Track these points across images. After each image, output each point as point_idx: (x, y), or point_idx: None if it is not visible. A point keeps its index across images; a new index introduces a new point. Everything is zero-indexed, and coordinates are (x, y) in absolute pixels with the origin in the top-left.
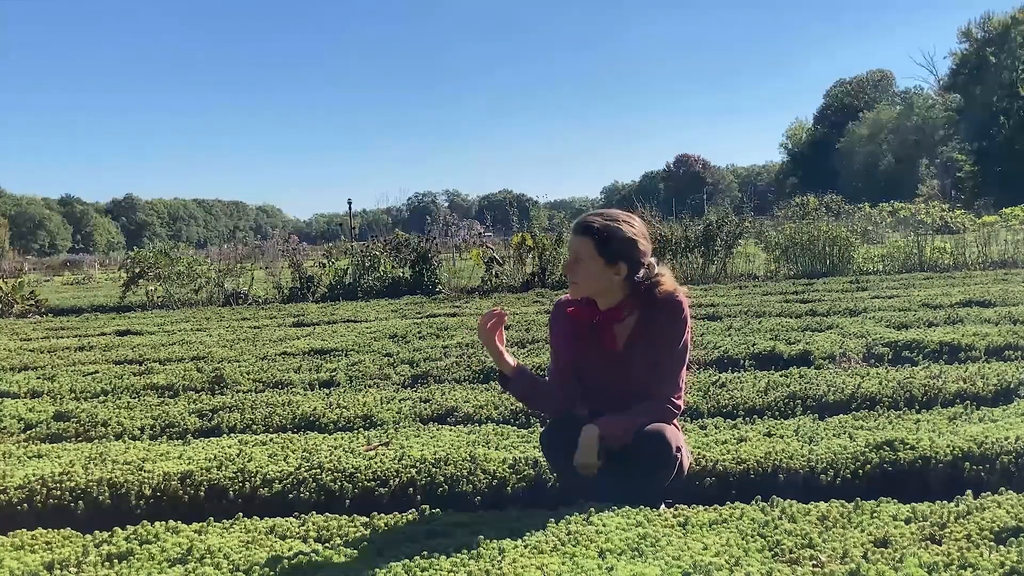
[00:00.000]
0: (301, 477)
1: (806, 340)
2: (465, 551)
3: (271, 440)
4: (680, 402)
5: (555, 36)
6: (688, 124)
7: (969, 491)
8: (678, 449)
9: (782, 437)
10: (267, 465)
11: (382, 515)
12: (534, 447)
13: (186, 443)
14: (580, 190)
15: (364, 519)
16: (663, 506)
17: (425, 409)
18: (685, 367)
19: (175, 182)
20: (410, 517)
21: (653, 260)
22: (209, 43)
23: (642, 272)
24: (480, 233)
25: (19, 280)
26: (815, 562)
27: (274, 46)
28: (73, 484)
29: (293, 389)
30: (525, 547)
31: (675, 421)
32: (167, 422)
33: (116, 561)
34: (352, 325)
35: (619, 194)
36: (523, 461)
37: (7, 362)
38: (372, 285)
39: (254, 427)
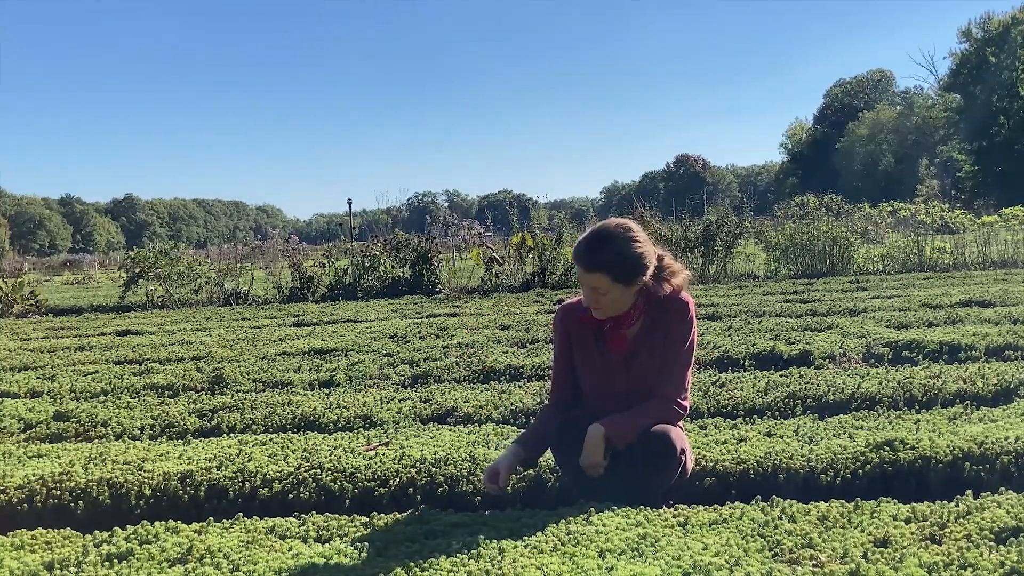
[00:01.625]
0: (301, 477)
1: (806, 340)
2: (465, 551)
3: (271, 440)
4: (686, 403)
5: (555, 36)
6: (688, 124)
7: (969, 491)
8: (682, 451)
9: (782, 437)
10: (267, 465)
11: (382, 515)
12: None
13: (186, 443)
14: (580, 190)
15: (364, 519)
16: (663, 506)
17: (425, 409)
18: (691, 368)
19: (175, 182)
20: (410, 517)
21: (659, 252)
22: (209, 43)
23: (651, 270)
24: (480, 233)
25: (19, 280)
26: (815, 562)
27: (274, 46)
28: (73, 484)
29: (293, 389)
30: (525, 547)
31: (679, 423)
32: (167, 422)
33: (116, 561)
34: (352, 325)
35: (619, 194)
36: None
37: (7, 362)
38: (372, 285)
39: (254, 427)
